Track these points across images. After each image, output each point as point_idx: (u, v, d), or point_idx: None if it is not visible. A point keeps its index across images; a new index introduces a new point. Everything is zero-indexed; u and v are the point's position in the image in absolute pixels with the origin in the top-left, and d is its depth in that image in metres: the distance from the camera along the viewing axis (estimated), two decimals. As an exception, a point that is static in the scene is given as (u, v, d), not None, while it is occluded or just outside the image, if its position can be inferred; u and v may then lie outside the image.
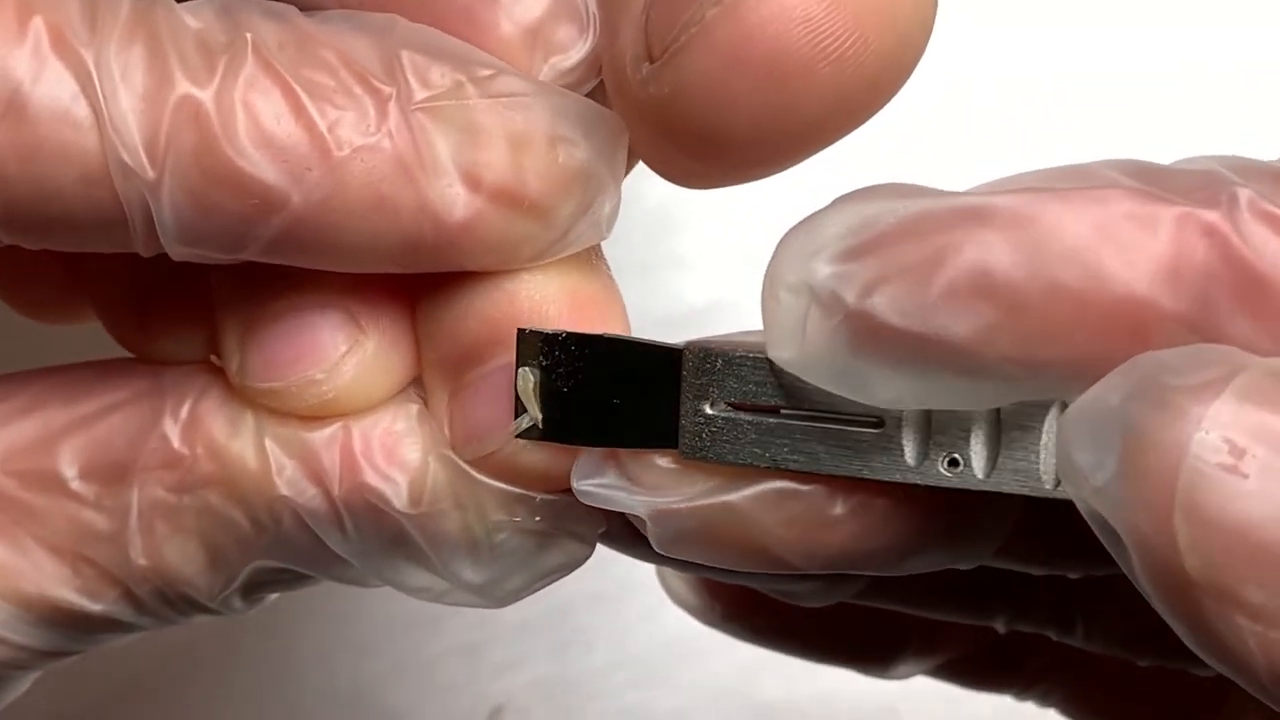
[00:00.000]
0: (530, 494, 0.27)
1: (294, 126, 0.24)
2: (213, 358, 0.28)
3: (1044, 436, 0.23)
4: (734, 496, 0.25)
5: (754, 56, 0.22)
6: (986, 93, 0.52)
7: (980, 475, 0.24)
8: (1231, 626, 0.19)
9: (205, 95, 0.23)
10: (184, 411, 0.27)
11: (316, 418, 0.26)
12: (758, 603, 0.33)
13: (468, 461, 0.26)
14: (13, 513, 0.27)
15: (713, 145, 0.23)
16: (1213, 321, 0.21)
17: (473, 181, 0.24)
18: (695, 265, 0.46)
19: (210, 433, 0.27)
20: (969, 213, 0.21)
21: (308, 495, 0.27)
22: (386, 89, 0.24)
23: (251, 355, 0.26)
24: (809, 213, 0.23)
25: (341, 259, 0.25)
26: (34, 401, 0.28)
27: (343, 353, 0.26)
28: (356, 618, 0.51)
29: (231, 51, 0.24)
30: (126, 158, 0.23)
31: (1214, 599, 0.19)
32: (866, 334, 0.22)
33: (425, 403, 0.27)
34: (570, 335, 0.25)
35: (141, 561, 0.27)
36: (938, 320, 0.21)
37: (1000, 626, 0.33)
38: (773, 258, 0.23)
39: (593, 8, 0.26)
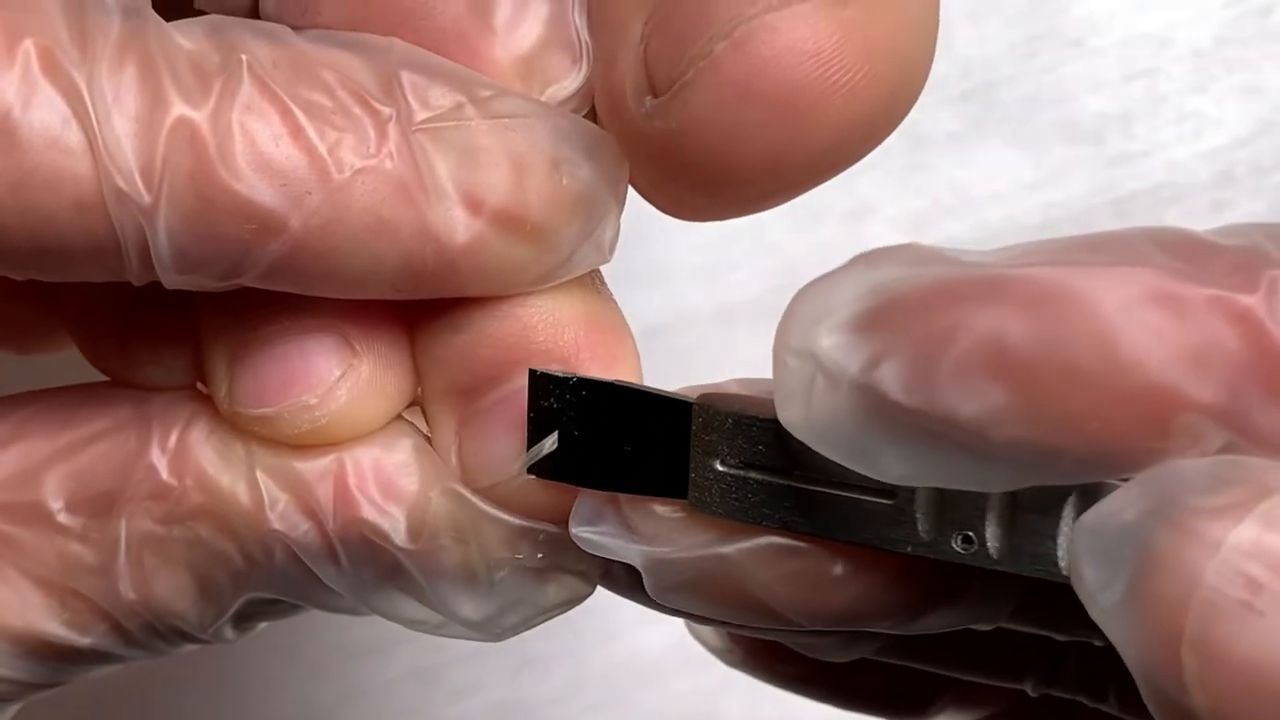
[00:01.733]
0: (536, 527, 0.26)
1: (292, 149, 0.23)
2: (199, 385, 0.27)
3: (1063, 524, 0.22)
4: (729, 550, 0.24)
5: (765, 91, 0.22)
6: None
7: (995, 556, 0.23)
8: None
9: (201, 118, 0.23)
10: (172, 440, 0.26)
11: (309, 446, 0.26)
12: (780, 650, 0.32)
13: (479, 490, 0.26)
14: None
15: (721, 179, 0.23)
16: (1244, 414, 0.20)
17: (474, 204, 0.24)
18: (654, 282, 0.46)
19: (199, 464, 0.26)
20: (985, 286, 0.20)
21: (301, 530, 0.26)
22: (386, 109, 0.24)
23: (241, 381, 0.26)
24: (798, 277, 0.22)
25: (340, 285, 0.24)
26: (16, 431, 0.27)
27: (336, 377, 0.25)
28: (307, 644, 0.51)
29: (226, 72, 0.23)
30: (121, 183, 0.23)
31: None
32: (872, 408, 0.21)
33: (424, 432, 0.26)
34: (581, 380, 0.25)
35: (130, 595, 0.27)
36: (945, 400, 0.20)
37: (1030, 690, 0.32)
38: (783, 317, 0.22)
39: (585, 37, 0.25)
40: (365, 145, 0.23)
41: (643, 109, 0.23)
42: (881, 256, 0.22)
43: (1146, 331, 0.19)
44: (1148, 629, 0.18)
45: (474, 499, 0.26)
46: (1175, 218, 0.51)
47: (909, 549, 0.23)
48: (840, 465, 0.22)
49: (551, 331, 0.25)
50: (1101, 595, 0.19)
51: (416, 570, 0.26)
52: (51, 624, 0.27)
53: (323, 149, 0.23)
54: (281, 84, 0.23)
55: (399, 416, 0.27)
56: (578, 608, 0.28)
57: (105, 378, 0.28)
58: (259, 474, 0.26)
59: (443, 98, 0.24)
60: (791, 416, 0.22)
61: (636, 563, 0.25)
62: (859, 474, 0.22)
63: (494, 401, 0.25)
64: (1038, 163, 0.51)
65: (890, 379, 0.20)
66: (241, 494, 0.26)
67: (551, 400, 0.25)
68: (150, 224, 0.23)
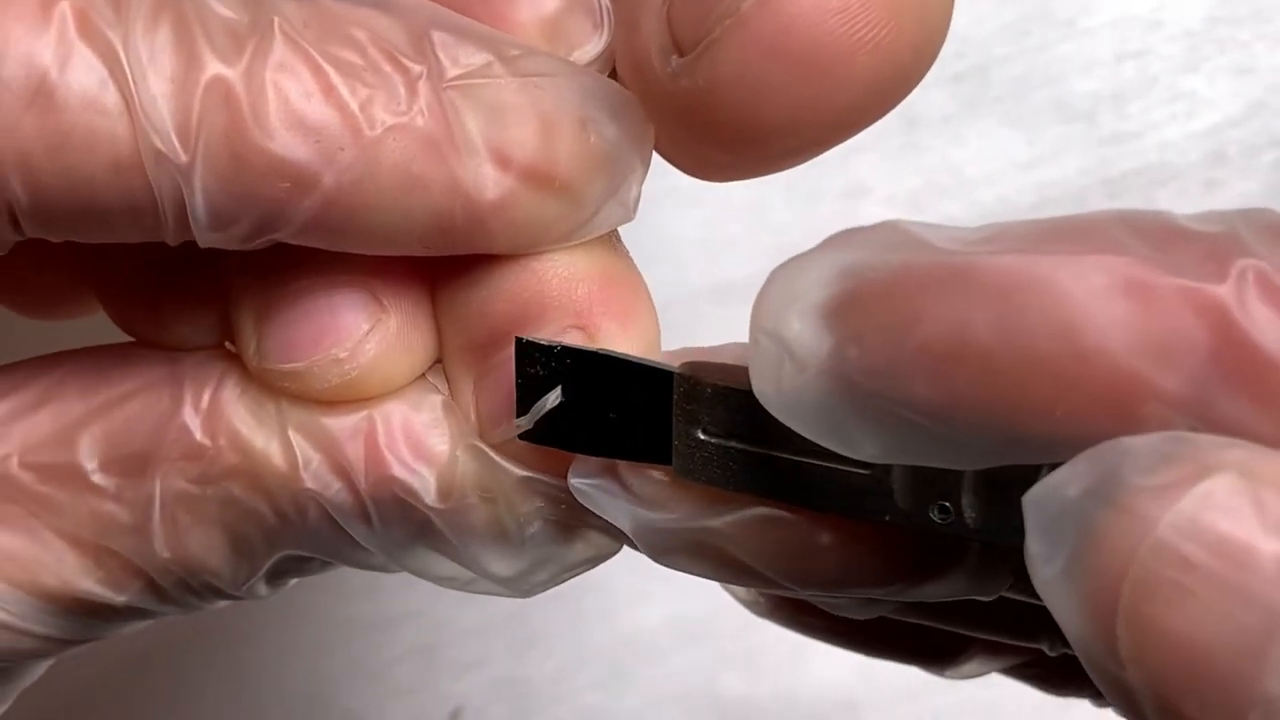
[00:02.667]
0: (559, 483, 0.26)
1: (325, 106, 0.23)
2: (227, 344, 0.27)
3: None
4: (716, 522, 0.25)
5: (792, 48, 0.22)
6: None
7: (972, 526, 0.23)
8: None
9: (235, 76, 0.23)
10: (204, 400, 0.27)
11: (338, 403, 0.26)
12: (806, 603, 0.33)
13: (495, 446, 0.26)
14: (32, 506, 0.27)
15: (748, 137, 0.23)
16: (1210, 404, 0.20)
17: (503, 161, 0.24)
18: (652, 259, 0.46)
19: (232, 423, 0.26)
20: (951, 273, 0.20)
21: (333, 489, 0.26)
22: (417, 67, 0.24)
23: (270, 336, 0.26)
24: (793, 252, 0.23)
25: (371, 241, 0.24)
26: (49, 391, 0.27)
27: (365, 331, 0.26)
28: (311, 620, 0.51)
29: (258, 32, 0.23)
30: (159, 143, 0.23)
31: (1154, 711, 0.18)
32: (840, 391, 0.21)
33: (448, 392, 0.27)
34: (565, 349, 0.25)
35: (165, 553, 0.27)
36: (909, 386, 0.20)
37: (1047, 649, 0.32)
38: (757, 297, 0.22)
39: (605, 1, 0.25)
40: (396, 102, 0.23)
41: (669, 68, 0.24)
42: (855, 238, 0.22)
43: (1112, 320, 0.19)
44: (1084, 604, 0.19)
45: (500, 458, 0.26)
46: (1168, 197, 0.51)
47: (887, 517, 0.23)
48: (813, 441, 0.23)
49: (566, 286, 0.26)
50: (1044, 568, 0.19)
51: (446, 528, 0.26)
52: (87, 582, 0.27)
53: (354, 106, 0.23)
54: (313, 42, 0.23)
55: (424, 377, 0.27)
56: (579, 586, 0.28)
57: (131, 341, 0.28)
58: (291, 433, 0.26)
59: (472, 56, 0.24)
60: (765, 394, 0.22)
61: (625, 527, 0.25)
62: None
63: (510, 357, 0.25)
64: (1031, 143, 0.51)
65: (855, 364, 0.20)
66: (275, 454, 0.26)
67: (538, 368, 0.25)
68: (187, 183, 0.23)
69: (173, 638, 0.50)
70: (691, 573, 0.26)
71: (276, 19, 0.23)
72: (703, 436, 0.24)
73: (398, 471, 0.26)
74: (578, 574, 0.28)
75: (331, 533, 0.27)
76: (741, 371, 0.24)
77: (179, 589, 0.28)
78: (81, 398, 0.27)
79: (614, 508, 0.25)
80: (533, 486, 0.27)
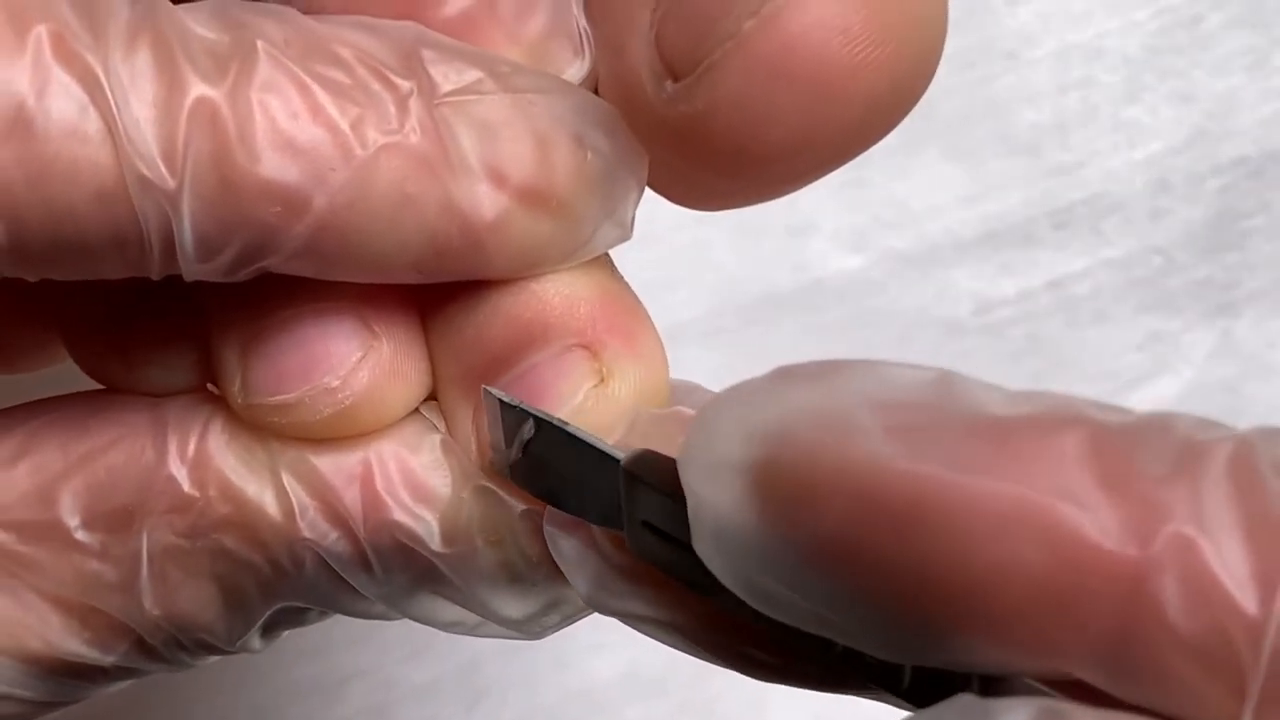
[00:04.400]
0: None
1: (313, 126, 0.22)
2: (209, 386, 0.27)
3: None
4: (663, 616, 0.24)
5: (796, 69, 0.22)
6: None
7: (905, 686, 0.22)
8: None
9: (220, 98, 0.22)
10: (190, 449, 0.26)
11: (331, 438, 0.25)
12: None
13: (500, 483, 0.25)
14: (13, 566, 0.26)
15: (750, 161, 0.23)
16: (1108, 673, 0.19)
17: (499, 180, 0.23)
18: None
19: (222, 472, 0.26)
20: (862, 480, 0.19)
21: (331, 538, 0.25)
22: (406, 84, 0.23)
23: (257, 369, 0.25)
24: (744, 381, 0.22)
25: (364, 266, 0.24)
26: (25, 445, 0.26)
27: (358, 358, 0.25)
28: (255, 683, 0.50)
29: (240, 53, 0.22)
30: (144, 169, 0.22)
31: None
32: (733, 560, 0.21)
33: (445, 427, 0.26)
34: (522, 410, 0.24)
35: (155, 611, 0.26)
36: (796, 583, 0.20)
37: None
38: (693, 428, 0.22)
39: (585, 25, 0.25)
40: (387, 121, 0.23)
41: (663, 94, 0.23)
42: (790, 389, 0.21)
43: (1016, 569, 0.19)
44: None
45: (507, 497, 0.25)
46: (1114, 226, 0.51)
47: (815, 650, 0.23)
48: None
49: (567, 306, 0.25)
50: None
51: (452, 573, 0.26)
52: (73, 643, 0.26)
53: (344, 125, 0.22)
54: (297, 61, 0.23)
55: (419, 413, 0.26)
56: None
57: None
58: (285, 479, 0.25)
59: (464, 72, 0.23)
60: (696, 538, 0.22)
61: (581, 587, 0.25)
62: None
63: (509, 382, 0.25)
64: (976, 175, 0.51)
65: (751, 547, 0.20)
66: (269, 503, 0.25)
67: (503, 414, 0.24)
68: (174, 210, 0.22)
69: (113, 703, 0.49)
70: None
71: (259, 39, 0.23)
72: (645, 525, 0.24)
73: (399, 516, 0.25)
74: (588, 614, 0.27)
75: (330, 583, 0.26)
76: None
77: (170, 646, 0.27)
78: (60, 451, 0.26)
79: (578, 562, 0.25)
80: (539, 524, 0.26)
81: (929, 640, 0.19)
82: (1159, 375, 0.51)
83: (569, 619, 0.27)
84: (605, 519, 0.24)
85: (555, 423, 0.24)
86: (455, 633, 0.27)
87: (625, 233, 0.25)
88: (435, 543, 0.25)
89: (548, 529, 0.25)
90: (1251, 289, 0.51)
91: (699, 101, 0.22)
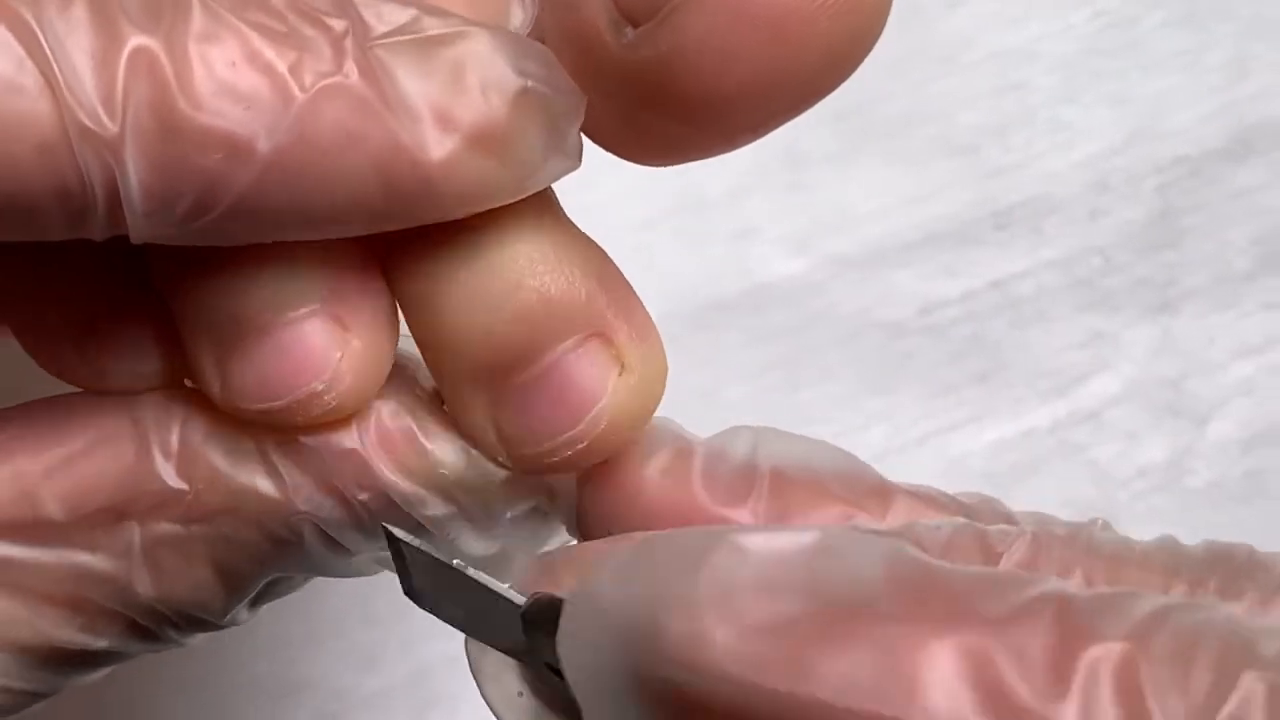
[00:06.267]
0: (543, 481, 0.27)
1: (251, 72, 0.22)
2: (187, 381, 0.27)
3: None
4: None
5: (756, 12, 0.22)
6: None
7: None
8: None
9: (157, 46, 0.22)
10: (173, 444, 0.26)
11: (306, 430, 0.26)
12: None
13: (538, 464, 0.26)
14: (2, 565, 0.26)
15: (711, 106, 0.23)
16: None
17: (442, 120, 0.23)
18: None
19: (210, 464, 0.26)
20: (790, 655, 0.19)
21: (327, 508, 0.26)
22: (339, 24, 0.23)
23: (239, 375, 0.25)
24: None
25: (316, 213, 0.24)
26: (1, 454, 0.26)
27: (338, 359, 0.25)
28: (207, 685, 0.50)
29: (176, 3, 0.23)
30: (85, 119, 0.22)
31: None
32: None
33: (419, 391, 0.26)
34: (420, 553, 0.25)
35: (149, 595, 0.26)
36: None
37: None
38: (563, 619, 0.22)
39: None
40: (324, 62, 0.23)
41: (623, 40, 0.23)
42: (663, 574, 0.21)
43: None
44: None
45: (480, 456, 0.26)
46: (1054, 226, 0.52)
47: None
48: None
49: (574, 295, 0.25)
50: None
51: (438, 530, 0.26)
52: (64, 631, 0.26)
53: (282, 69, 0.23)
54: (231, 9, 0.23)
55: (397, 377, 0.26)
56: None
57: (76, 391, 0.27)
58: (275, 460, 0.26)
59: (395, 14, 0.24)
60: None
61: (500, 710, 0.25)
62: None
63: (530, 379, 0.25)
64: (916, 178, 0.52)
65: None
66: (261, 485, 0.26)
67: (402, 553, 0.25)
68: (117, 160, 0.22)
69: (67, 705, 0.48)
70: None
71: None
72: (548, 668, 0.24)
73: (390, 480, 0.26)
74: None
75: (325, 548, 0.27)
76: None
77: (162, 627, 0.27)
78: (35, 457, 0.26)
79: (499, 700, 0.25)
80: (518, 485, 0.26)
81: None
82: (1100, 373, 0.51)
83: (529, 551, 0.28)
84: (512, 652, 0.24)
85: (455, 566, 0.25)
86: None
87: (573, 161, 0.25)
88: (427, 505, 0.26)
89: (470, 648, 0.25)
90: (1190, 286, 0.52)
91: (661, 45, 0.23)
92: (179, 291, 0.25)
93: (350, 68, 0.23)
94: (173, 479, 0.26)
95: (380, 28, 0.23)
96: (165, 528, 0.26)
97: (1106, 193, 0.52)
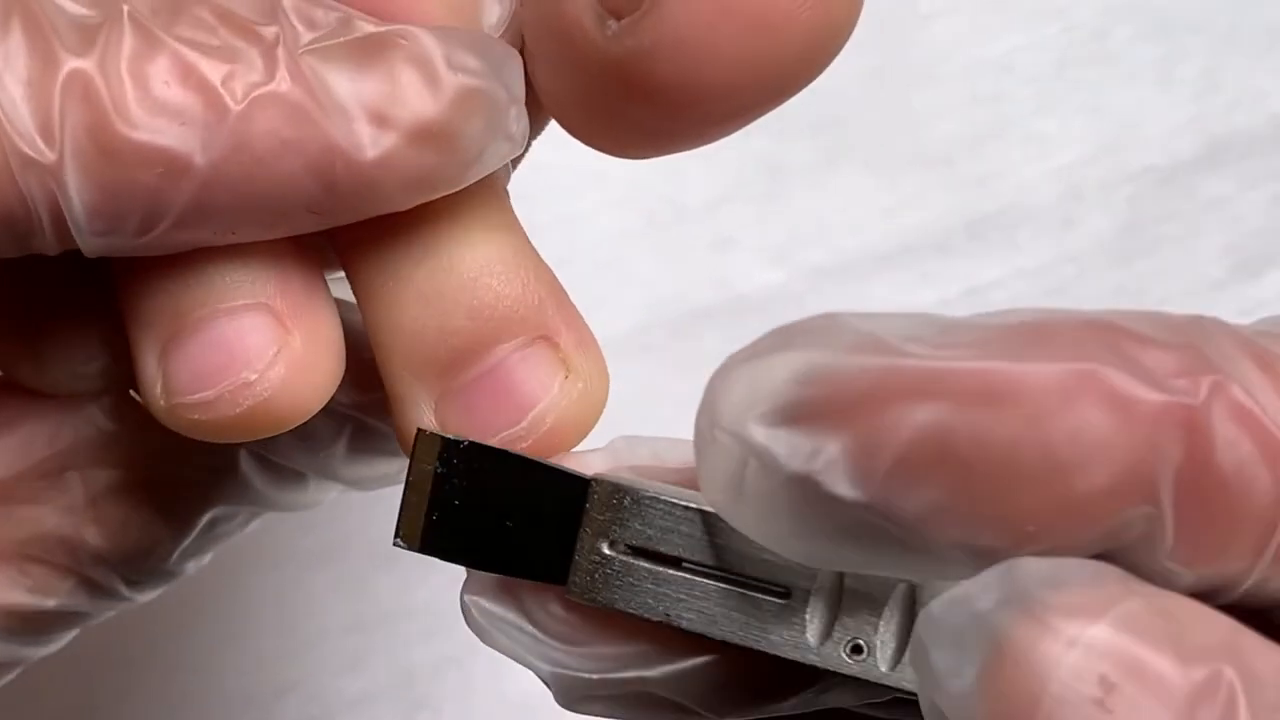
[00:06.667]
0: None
1: (184, 88, 0.23)
2: (132, 393, 0.27)
3: None
4: (654, 673, 0.24)
5: (739, 5, 0.22)
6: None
7: (884, 668, 0.22)
8: None
9: (91, 69, 0.23)
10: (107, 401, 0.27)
11: (249, 435, 0.26)
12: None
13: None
14: None
15: (693, 98, 0.23)
16: (1163, 520, 0.20)
17: (377, 118, 0.24)
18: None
19: (137, 401, 0.26)
20: (929, 380, 0.19)
21: None
22: (270, 33, 0.24)
23: (176, 370, 0.25)
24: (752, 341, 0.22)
25: (263, 216, 0.24)
26: None
27: (273, 353, 0.25)
28: (193, 687, 0.50)
29: (108, 24, 0.23)
30: (24, 147, 0.22)
31: None
32: (809, 499, 0.20)
33: (394, 415, 0.26)
34: (474, 445, 0.24)
35: (98, 543, 0.27)
36: (887, 496, 0.19)
37: None
38: (708, 395, 0.21)
39: None
40: (256, 73, 0.23)
41: (607, 32, 0.23)
42: (809, 336, 0.21)
43: (1093, 437, 0.19)
44: (998, 718, 0.18)
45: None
46: (1028, 236, 0.52)
47: (796, 653, 0.23)
48: (739, 556, 0.22)
49: (526, 298, 0.26)
50: (950, 682, 0.19)
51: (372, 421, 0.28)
52: (13, 594, 0.27)
53: (215, 82, 0.23)
54: (164, 27, 0.23)
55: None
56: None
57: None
58: None
59: (326, 16, 0.24)
60: (721, 499, 0.21)
61: (541, 672, 0.25)
62: (756, 568, 0.22)
63: (477, 375, 0.25)
64: (892, 189, 0.52)
65: (830, 473, 0.19)
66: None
67: (436, 464, 0.24)
68: (59, 184, 0.23)
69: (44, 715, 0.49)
70: (601, 715, 0.25)
71: (125, 7, 0.23)
72: (608, 551, 0.23)
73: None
74: None
75: (263, 475, 0.27)
76: (660, 486, 0.24)
77: (112, 579, 0.27)
78: None
79: (526, 647, 0.25)
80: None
81: (1003, 536, 0.19)
82: (1074, 380, 0.52)
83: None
84: (544, 567, 0.24)
85: (511, 453, 0.24)
86: (385, 485, 0.28)
87: (515, 145, 0.25)
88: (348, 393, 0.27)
89: (468, 605, 0.25)
90: (1163, 295, 0.52)
91: (644, 37, 0.23)
92: (127, 291, 0.26)
93: (282, 76, 0.23)
94: (106, 422, 0.26)
95: (311, 33, 0.24)
96: (106, 474, 0.26)
97: (1080, 202, 0.52)
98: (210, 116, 0.23)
